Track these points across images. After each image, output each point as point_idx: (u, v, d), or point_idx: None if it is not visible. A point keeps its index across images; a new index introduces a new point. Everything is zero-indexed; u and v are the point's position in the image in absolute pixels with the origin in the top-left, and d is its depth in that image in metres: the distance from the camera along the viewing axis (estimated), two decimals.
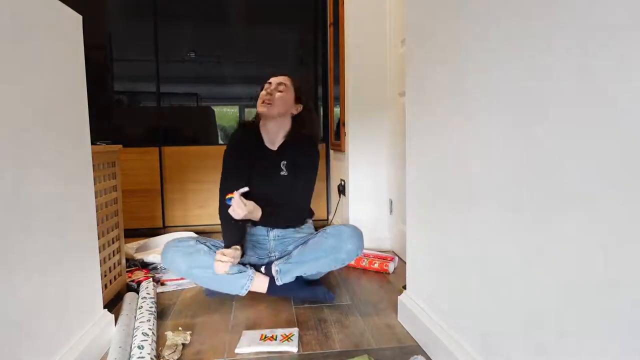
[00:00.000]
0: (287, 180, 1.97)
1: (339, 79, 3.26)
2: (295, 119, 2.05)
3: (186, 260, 1.87)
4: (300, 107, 2.05)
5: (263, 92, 1.95)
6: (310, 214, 2.13)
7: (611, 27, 0.75)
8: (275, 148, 2.03)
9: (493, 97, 1.11)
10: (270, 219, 1.94)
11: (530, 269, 0.99)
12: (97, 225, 1.59)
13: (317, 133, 2.10)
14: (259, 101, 1.95)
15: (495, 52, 1.10)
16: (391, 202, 2.96)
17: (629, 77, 0.72)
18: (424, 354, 1.48)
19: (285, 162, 1.98)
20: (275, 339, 1.56)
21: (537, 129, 0.94)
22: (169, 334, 1.60)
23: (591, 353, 0.83)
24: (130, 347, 1.46)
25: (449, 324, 1.39)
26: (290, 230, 2.05)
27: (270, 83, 1.97)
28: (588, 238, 0.82)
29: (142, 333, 1.51)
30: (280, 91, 1.93)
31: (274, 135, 2.03)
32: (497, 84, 1.10)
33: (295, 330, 1.64)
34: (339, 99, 3.30)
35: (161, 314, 1.87)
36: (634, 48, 0.71)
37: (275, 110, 1.93)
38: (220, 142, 3.93)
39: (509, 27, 1.04)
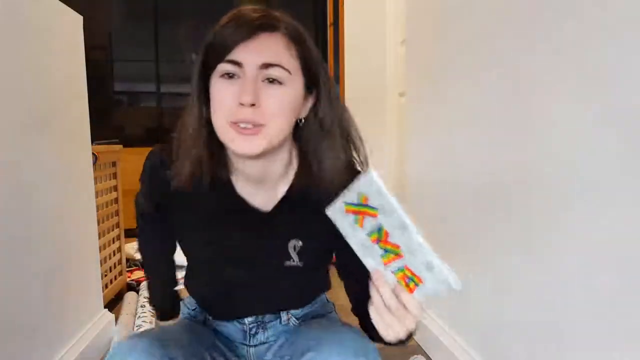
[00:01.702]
0: (298, 273, 0.85)
1: (339, 79, 3.26)
2: (306, 129, 0.79)
3: None
4: (313, 98, 0.78)
5: (224, 97, 0.70)
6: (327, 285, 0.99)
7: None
8: (268, 207, 0.83)
9: (493, 96, 1.12)
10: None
11: (530, 270, 0.99)
12: (97, 225, 1.60)
13: (361, 147, 0.83)
14: (220, 119, 0.70)
15: (496, 51, 1.10)
16: None
17: None
18: (424, 354, 1.48)
19: (300, 242, 0.83)
20: None
21: (536, 130, 0.95)
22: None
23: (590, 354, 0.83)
24: None
25: (449, 324, 1.39)
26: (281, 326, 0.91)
27: (238, 64, 0.68)
28: (596, 241, 0.82)
29: None
30: (272, 80, 0.69)
31: (260, 180, 0.81)
32: (498, 83, 1.10)
33: None
34: (339, 99, 3.30)
35: None
36: None
37: (268, 138, 0.71)
38: None
39: (511, 26, 1.04)
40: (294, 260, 0.83)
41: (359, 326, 0.81)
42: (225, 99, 0.69)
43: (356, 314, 0.85)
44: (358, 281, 0.72)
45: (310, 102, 0.77)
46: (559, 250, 0.89)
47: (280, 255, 0.81)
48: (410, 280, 0.59)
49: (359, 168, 0.82)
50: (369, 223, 0.59)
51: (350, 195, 0.59)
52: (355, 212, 0.59)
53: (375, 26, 2.93)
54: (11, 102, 1.05)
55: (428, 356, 1.47)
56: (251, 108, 0.67)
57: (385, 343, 0.69)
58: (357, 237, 0.61)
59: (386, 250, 0.59)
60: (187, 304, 0.99)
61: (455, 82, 1.32)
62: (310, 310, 0.94)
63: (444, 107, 1.41)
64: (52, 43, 1.29)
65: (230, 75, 0.69)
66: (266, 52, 0.68)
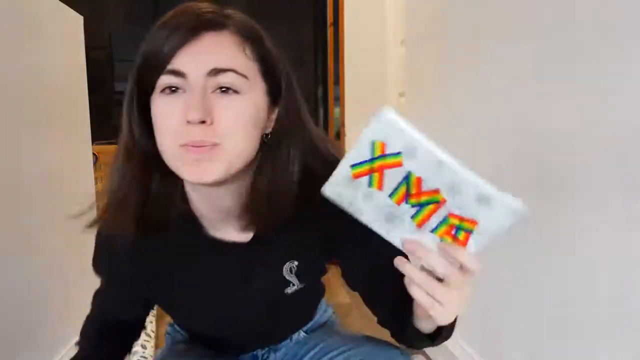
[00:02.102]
0: (301, 295, 0.75)
1: (339, 79, 3.26)
2: (271, 145, 0.63)
3: None
4: (276, 110, 0.63)
5: (168, 117, 0.57)
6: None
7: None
8: (246, 237, 0.69)
9: (494, 96, 1.12)
10: None
11: (531, 270, 0.99)
12: None
13: (330, 149, 0.67)
14: (167, 143, 0.57)
15: (497, 50, 1.10)
16: None
17: None
18: (424, 353, 1.48)
19: (295, 262, 0.71)
20: None
21: (537, 130, 0.95)
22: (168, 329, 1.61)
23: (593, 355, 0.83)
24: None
25: None
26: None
27: (181, 75, 0.55)
28: (598, 242, 0.82)
29: (145, 333, 1.53)
30: (226, 89, 0.56)
31: (228, 213, 0.66)
32: (499, 83, 1.10)
33: None
34: (339, 99, 3.31)
35: (162, 314, 1.87)
36: None
37: (227, 159, 0.57)
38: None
39: (511, 26, 1.04)
40: (293, 284, 0.71)
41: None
42: (170, 119, 0.55)
43: (386, 326, 0.71)
44: (378, 283, 0.65)
45: (271, 116, 0.62)
46: (560, 251, 0.89)
47: (277, 285, 0.70)
48: (459, 230, 0.46)
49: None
50: (392, 177, 0.45)
51: (358, 152, 0.45)
52: (370, 172, 0.45)
53: (375, 26, 2.93)
54: (12, 102, 1.05)
55: (428, 356, 1.48)
56: (202, 126, 0.54)
57: (433, 342, 0.60)
58: (374, 208, 0.47)
59: (420, 205, 0.46)
60: (180, 330, 0.89)
61: (455, 82, 1.32)
62: (315, 319, 0.90)
63: (444, 107, 1.41)
64: (52, 43, 1.29)
65: (173, 89, 0.56)
66: (213, 55, 0.56)
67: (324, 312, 0.91)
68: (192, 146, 0.55)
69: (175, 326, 0.91)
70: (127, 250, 0.66)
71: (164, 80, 0.55)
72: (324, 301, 0.93)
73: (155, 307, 1.82)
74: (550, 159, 0.91)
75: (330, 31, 3.59)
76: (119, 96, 3.90)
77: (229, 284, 0.71)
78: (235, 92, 0.56)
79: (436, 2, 1.46)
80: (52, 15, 1.31)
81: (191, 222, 0.67)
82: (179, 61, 0.55)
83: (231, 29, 0.57)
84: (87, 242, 1.49)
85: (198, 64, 0.55)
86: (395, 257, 0.51)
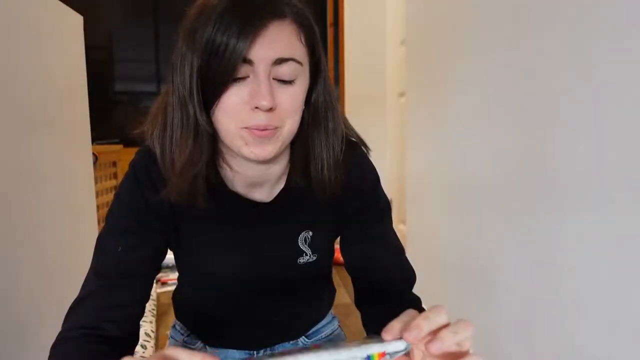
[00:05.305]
0: (314, 269, 0.78)
1: (339, 79, 3.27)
2: (317, 117, 0.69)
3: None
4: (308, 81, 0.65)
5: (237, 102, 0.59)
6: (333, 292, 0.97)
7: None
8: (268, 199, 0.73)
9: (493, 96, 1.12)
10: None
11: (530, 270, 0.99)
12: (98, 224, 1.60)
13: (351, 127, 0.74)
14: (232, 125, 0.60)
15: (496, 51, 1.10)
16: (391, 202, 2.96)
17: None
18: None
19: (310, 233, 0.75)
20: None
21: (537, 130, 0.95)
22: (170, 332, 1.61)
23: (593, 354, 0.83)
24: None
25: None
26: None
27: (249, 62, 0.57)
28: (597, 241, 0.82)
29: (145, 333, 1.53)
30: (287, 81, 0.60)
31: (258, 182, 0.72)
32: (498, 83, 1.10)
33: None
34: (339, 99, 3.32)
35: (161, 313, 1.88)
36: None
37: (282, 140, 0.63)
38: None
39: (511, 26, 1.04)
40: (306, 254, 0.74)
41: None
42: (237, 104, 0.58)
43: (359, 308, 0.76)
44: (372, 276, 0.72)
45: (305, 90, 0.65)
46: (559, 250, 0.89)
47: (291, 252, 0.73)
48: None
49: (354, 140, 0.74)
50: None
51: None
52: None
53: (375, 26, 2.94)
54: (12, 102, 1.05)
55: None
56: (267, 112, 0.58)
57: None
58: None
59: None
60: (180, 329, 0.89)
61: (455, 82, 1.32)
62: (320, 327, 0.89)
63: (444, 107, 1.41)
64: (52, 43, 1.29)
65: (240, 76, 0.58)
66: (279, 45, 0.57)
67: (329, 322, 0.90)
68: (257, 129, 0.59)
69: (177, 326, 0.91)
70: (163, 204, 0.67)
71: (236, 69, 0.57)
72: (330, 313, 0.93)
73: (155, 307, 1.82)
74: (552, 160, 0.91)
75: (330, 31, 3.59)
76: (119, 96, 3.91)
77: (246, 239, 0.73)
78: (293, 79, 0.60)
79: (436, 2, 1.46)
80: (52, 15, 1.31)
81: (221, 185, 0.70)
82: (249, 51, 0.56)
83: (291, 16, 0.59)
84: (87, 242, 1.49)
85: (265, 53, 0.57)
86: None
